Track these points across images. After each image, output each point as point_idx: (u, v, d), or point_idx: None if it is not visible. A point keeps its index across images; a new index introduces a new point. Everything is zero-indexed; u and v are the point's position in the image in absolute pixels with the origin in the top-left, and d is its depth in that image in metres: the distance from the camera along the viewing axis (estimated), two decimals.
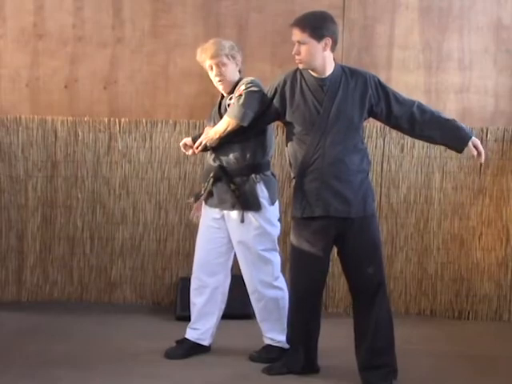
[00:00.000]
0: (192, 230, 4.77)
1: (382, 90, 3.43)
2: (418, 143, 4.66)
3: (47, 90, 4.77)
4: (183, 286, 4.60)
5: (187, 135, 4.68)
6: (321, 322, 3.59)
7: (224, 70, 3.68)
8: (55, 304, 4.75)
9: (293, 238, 3.52)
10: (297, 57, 3.37)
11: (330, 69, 3.39)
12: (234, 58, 3.69)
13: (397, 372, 3.49)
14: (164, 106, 4.78)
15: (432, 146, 4.65)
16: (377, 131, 4.67)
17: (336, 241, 3.46)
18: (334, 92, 3.36)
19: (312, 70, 3.39)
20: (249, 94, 3.51)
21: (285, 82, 3.46)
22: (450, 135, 3.42)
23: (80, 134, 4.74)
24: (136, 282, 4.82)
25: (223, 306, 3.91)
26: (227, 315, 4.40)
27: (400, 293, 4.75)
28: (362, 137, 3.53)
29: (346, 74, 3.41)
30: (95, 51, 4.75)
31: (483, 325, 4.61)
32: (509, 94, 4.70)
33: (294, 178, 3.51)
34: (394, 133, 4.65)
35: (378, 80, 3.46)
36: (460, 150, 3.48)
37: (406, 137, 4.64)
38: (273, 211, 3.73)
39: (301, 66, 3.40)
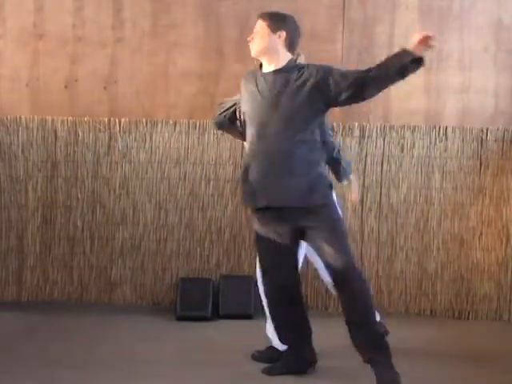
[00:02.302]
0: (192, 229, 4.79)
1: (326, 74, 3.33)
2: (418, 143, 4.67)
3: (47, 90, 4.77)
4: (183, 286, 4.61)
5: (187, 135, 4.71)
6: (311, 320, 3.58)
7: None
8: (55, 304, 4.75)
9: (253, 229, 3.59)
10: (250, 43, 3.45)
11: (281, 63, 3.41)
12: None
13: (386, 332, 3.59)
14: (164, 106, 4.78)
15: (432, 146, 4.65)
16: (377, 131, 4.67)
17: (296, 231, 3.45)
18: (276, 84, 3.37)
19: (263, 61, 3.44)
20: None
21: (245, 77, 3.54)
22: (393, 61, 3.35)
23: (80, 133, 4.74)
24: (136, 282, 4.82)
25: None
26: (227, 315, 4.42)
27: (400, 293, 4.76)
28: (317, 129, 3.42)
29: (296, 67, 3.41)
30: (95, 51, 4.75)
31: (483, 325, 4.61)
32: (509, 93, 4.70)
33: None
34: (394, 133, 4.66)
35: (326, 68, 3.37)
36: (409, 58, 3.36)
37: (406, 137, 4.66)
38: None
39: (252, 53, 3.45)
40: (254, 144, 3.41)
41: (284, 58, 3.42)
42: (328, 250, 3.38)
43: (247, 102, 3.48)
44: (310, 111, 3.38)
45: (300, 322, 3.58)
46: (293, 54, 3.46)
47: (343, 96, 3.32)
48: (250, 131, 3.46)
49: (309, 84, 3.33)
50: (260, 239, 3.50)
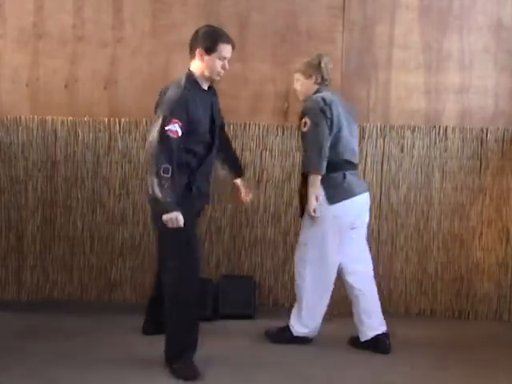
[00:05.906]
0: None
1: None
2: (418, 143, 4.66)
3: (47, 90, 4.77)
4: None
5: None
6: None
7: (296, 84, 4.04)
8: (55, 304, 4.75)
9: None
10: None
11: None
12: (309, 75, 3.96)
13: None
14: None
15: (432, 146, 4.65)
16: (377, 131, 4.67)
17: None
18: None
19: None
20: None
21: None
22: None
23: (80, 134, 4.74)
24: (136, 282, 4.82)
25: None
26: (227, 315, 4.41)
27: (400, 293, 4.76)
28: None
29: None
30: (95, 51, 4.75)
31: (483, 325, 4.61)
32: (509, 93, 4.70)
33: None
34: (394, 133, 4.66)
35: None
36: None
37: (406, 137, 4.66)
38: (328, 211, 3.85)
39: None
40: None
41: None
42: None
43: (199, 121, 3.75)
44: None
45: None
46: None
47: None
48: None
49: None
50: None
